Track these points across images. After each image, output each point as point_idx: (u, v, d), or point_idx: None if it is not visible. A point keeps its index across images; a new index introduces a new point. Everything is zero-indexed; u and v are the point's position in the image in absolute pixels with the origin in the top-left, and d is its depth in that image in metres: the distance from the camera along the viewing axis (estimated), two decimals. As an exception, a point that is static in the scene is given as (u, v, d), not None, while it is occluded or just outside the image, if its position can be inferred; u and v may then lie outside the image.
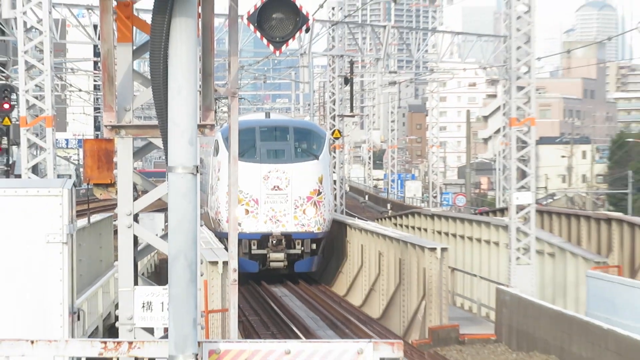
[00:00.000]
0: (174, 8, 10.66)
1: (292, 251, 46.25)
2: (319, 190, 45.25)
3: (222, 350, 11.57)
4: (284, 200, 44.34)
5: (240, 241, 45.32)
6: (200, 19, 12.99)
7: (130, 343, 12.77)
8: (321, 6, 79.88)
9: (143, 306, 14.73)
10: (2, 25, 68.43)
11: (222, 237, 53.69)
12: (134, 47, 14.56)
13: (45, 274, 17.49)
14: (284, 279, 74.05)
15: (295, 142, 48.05)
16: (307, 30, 32.58)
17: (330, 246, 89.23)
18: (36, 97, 48.05)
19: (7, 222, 17.88)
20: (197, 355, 11.05)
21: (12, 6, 50.32)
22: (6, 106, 61.11)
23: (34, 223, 17.87)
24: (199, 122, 12.04)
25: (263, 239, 45.00)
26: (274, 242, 45.30)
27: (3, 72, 73.94)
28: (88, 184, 19.02)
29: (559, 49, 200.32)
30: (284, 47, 24.23)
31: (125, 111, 14.84)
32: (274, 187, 44.10)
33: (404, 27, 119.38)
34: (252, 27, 20.56)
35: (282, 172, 44.45)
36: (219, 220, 50.93)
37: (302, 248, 45.70)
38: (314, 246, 46.05)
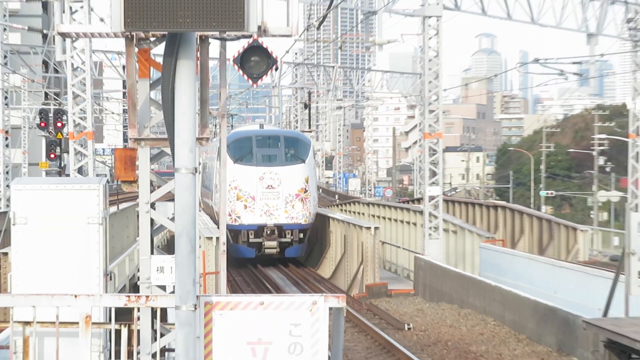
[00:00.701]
0: (179, 53, 11.40)
1: (283, 240, 46.75)
2: (305, 188, 45.53)
3: (214, 302, 12.22)
4: (277, 197, 44.36)
5: (240, 232, 48.65)
6: (198, 61, 13.41)
7: (147, 297, 13.62)
8: (287, 52, 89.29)
9: (157, 270, 14.95)
10: (56, 65, 71.92)
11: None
12: (151, 82, 15.21)
13: (86, 246, 17.96)
14: (277, 262, 69.81)
15: (285, 148, 48.38)
16: (276, 69, 35.83)
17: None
18: (80, 118, 47.08)
19: (60, 208, 18.36)
20: (195, 305, 11.36)
21: (63, 51, 52.63)
22: (59, 125, 63.50)
23: (79, 209, 18.29)
24: (197, 136, 12.90)
25: (259, 230, 45.26)
26: (268, 232, 45.54)
27: (57, 99, 79.10)
28: (118, 181, 19.49)
29: (459, 83, 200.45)
30: (259, 82, 25.72)
31: (144, 128, 15.44)
32: (268, 186, 44.12)
33: (347, 67, 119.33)
34: (236, 67, 22.75)
35: (274, 173, 44.35)
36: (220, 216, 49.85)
37: (292, 237, 46.35)
38: (301, 235, 46.95)
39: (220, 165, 39.09)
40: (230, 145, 43.74)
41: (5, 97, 72.72)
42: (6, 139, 72.86)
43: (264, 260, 43.11)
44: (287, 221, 43.36)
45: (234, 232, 51.00)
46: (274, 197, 42.74)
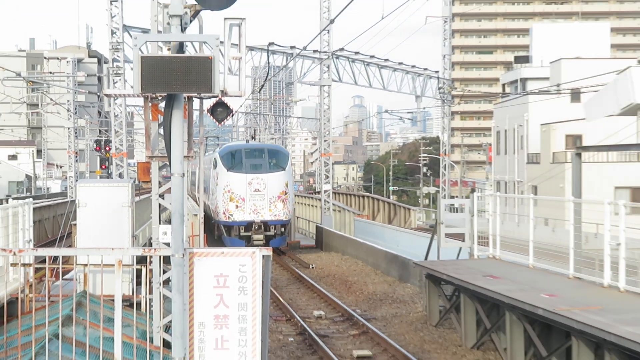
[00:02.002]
0: (173, 106, 11.06)
1: (268, 233, 40.55)
2: (285, 191, 40.00)
3: (194, 252, 11.63)
4: (262, 198, 38.42)
5: (232, 227, 41.99)
6: (186, 111, 13.03)
7: (155, 249, 13.03)
8: (241, 106, 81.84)
9: (163, 233, 14.36)
10: (105, 114, 71.17)
11: (219, 224, 45.67)
12: (158, 123, 14.20)
13: (122, 220, 17.89)
14: None
15: (268, 159, 41.65)
16: (232, 116, 36.20)
17: None
18: (119, 145, 49.10)
19: (106, 197, 18.27)
20: (184, 254, 11.17)
21: (109, 105, 52.28)
22: (107, 148, 61.88)
23: (117, 197, 18.17)
24: (185, 154, 12.45)
25: (248, 225, 39.76)
26: (256, 227, 39.76)
27: (106, 133, 72.32)
28: (139, 181, 20.34)
29: (342, 124, 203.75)
30: (224, 122, 25.65)
31: (154, 150, 14.64)
32: (255, 189, 38.33)
33: (277, 115, 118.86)
34: (209, 114, 22.68)
35: (260, 179, 38.74)
36: (217, 212, 43.62)
37: (275, 231, 40.76)
38: (282, 229, 41.26)
39: (222, 172, 40.79)
40: (224, 156, 40.13)
41: (76, 133, 72.98)
42: (76, 156, 73.29)
43: None
44: (271, 218, 38.16)
45: (228, 227, 43.96)
46: (260, 199, 37.17)
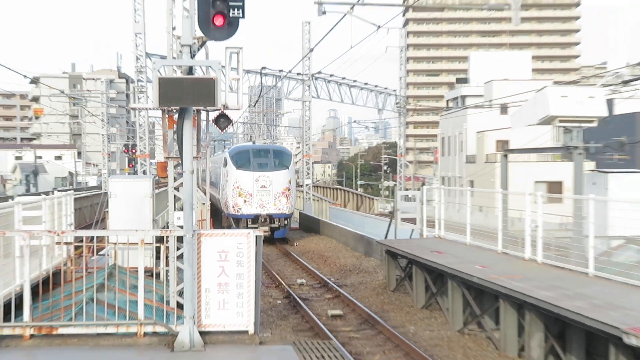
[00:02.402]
0: (184, 117, 10.97)
1: (273, 225, 37.49)
2: (289, 188, 36.76)
3: (202, 233, 11.52)
4: (268, 194, 35.41)
5: (241, 219, 37.77)
6: (195, 120, 12.65)
7: (171, 231, 12.63)
8: (239, 117, 78.50)
9: (177, 218, 14.17)
10: (132, 124, 70.65)
11: (229, 217, 40.54)
12: (173, 130, 13.16)
13: (144, 208, 17.69)
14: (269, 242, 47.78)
15: (274, 158, 38.27)
16: (232, 125, 35.51)
17: None
18: (143, 148, 49.18)
19: (132, 189, 18.31)
20: (193, 234, 11.07)
21: (134, 116, 52.05)
22: (134, 151, 61.28)
23: (141, 190, 17.97)
24: (194, 155, 12.08)
25: (255, 218, 36.65)
26: (262, 220, 36.76)
27: (133, 138, 70.89)
28: (159, 177, 21.21)
29: (320, 132, 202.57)
30: (225, 130, 25.57)
31: (170, 152, 13.87)
32: (262, 186, 35.30)
33: (268, 124, 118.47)
34: (213, 123, 22.40)
35: (266, 177, 35.61)
36: (226, 206, 39.67)
37: (279, 223, 37.65)
38: (285, 222, 38.17)
39: (232, 170, 36.24)
40: (233, 156, 36.88)
41: (108, 138, 73.28)
42: (108, 157, 73.12)
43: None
44: (275, 212, 35.45)
45: (236, 220, 39.72)
46: (266, 194, 34.25)
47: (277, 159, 35.65)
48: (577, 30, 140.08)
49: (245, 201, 33.43)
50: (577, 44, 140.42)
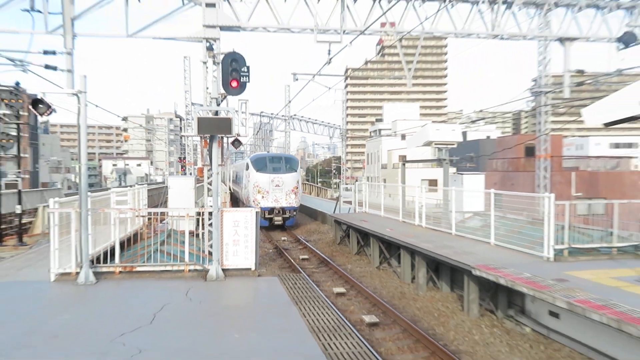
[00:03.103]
0: (212, 141, 10.60)
1: (284, 216, 31.25)
2: (297, 186, 31.10)
3: (224, 210, 10.97)
4: (281, 191, 30.11)
5: (259, 211, 23.32)
6: (220, 142, 11.57)
7: (205, 209, 11.89)
8: (247, 141, 77.24)
9: (209, 201, 12.63)
10: (183, 145, 68.45)
11: (249, 206, 31.79)
12: (207, 149, 12.25)
13: (189, 195, 16.63)
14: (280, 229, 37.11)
15: (285, 164, 32.54)
16: (242, 145, 34.39)
17: None
18: (189, 159, 48.29)
19: (181, 184, 17.09)
20: (219, 210, 10.64)
21: (185, 139, 50.96)
22: (184, 161, 59.14)
23: (187, 184, 16.96)
24: (219, 163, 11.08)
25: (271, 210, 30.53)
26: (276, 212, 30.93)
27: (183, 153, 67.89)
28: (198, 176, 21.05)
29: (295, 151, 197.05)
30: (239, 148, 25.58)
31: (205, 161, 13.67)
32: (276, 185, 29.94)
33: (265, 145, 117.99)
34: (231, 144, 22.02)
35: (280, 178, 30.19)
36: (247, 200, 33.87)
37: (289, 214, 31.11)
38: (294, 213, 31.35)
39: (253, 172, 28.83)
40: (254, 162, 31.46)
41: (169, 153, 71.93)
42: (169, 165, 71.81)
43: (271, 226, 31.38)
44: (287, 205, 30.09)
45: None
46: (279, 191, 29.47)
47: (288, 164, 30.32)
48: (445, 91, 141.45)
49: (263, 197, 28.57)
50: (445, 99, 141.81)
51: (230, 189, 40.81)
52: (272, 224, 28.62)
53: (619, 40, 13.30)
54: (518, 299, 10.42)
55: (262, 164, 29.82)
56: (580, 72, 19.05)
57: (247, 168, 30.50)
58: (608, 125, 9.89)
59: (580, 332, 8.61)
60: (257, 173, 29.46)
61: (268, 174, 28.93)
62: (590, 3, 15.96)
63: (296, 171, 29.88)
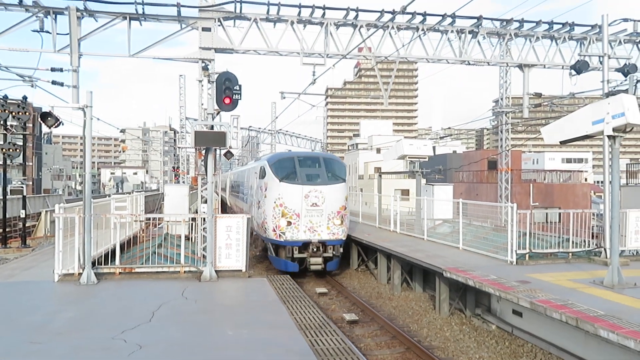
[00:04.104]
0: (207, 153, 10.45)
1: (326, 254, 14.41)
2: (345, 206, 14.61)
3: (217, 216, 10.81)
4: (320, 214, 13.85)
5: (284, 247, 15.51)
6: (214, 153, 11.10)
7: (198, 214, 11.73)
8: (237, 153, 76.54)
9: (203, 208, 12.37)
10: (178, 155, 68.05)
11: (267, 242, 16.08)
12: (201, 159, 12.52)
13: (184, 201, 16.27)
14: None
15: (326, 168, 15.05)
16: (233, 156, 29.22)
17: None
18: (183, 168, 48.02)
19: (177, 191, 16.77)
20: (212, 217, 10.43)
21: (179, 150, 50.65)
22: (178, 170, 58.74)
23: (181, 191, 16.59)
24: (213, 173, 10.85)
25: (304, 245, 14.28)
26: (314, 249, 14.27)
27: (177, 164, 67.61)
28: (193, 184, 21.10)
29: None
30: (230, 159, 24.83)
31: (199, 171, 13.34)
32: (313, 204, 13.85)
33: (253, 157, 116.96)
34: (224, 155, 21.61)
35: (319, 192, 13.95)
36: (265, 228, 14.89)
37: (333, 252, 14.55)
38: (340, 250, 14.60)
39: (273, 182, 15.74)
40: (274, 164, 16.35)
41: (163, 163, 71.30)
42: (164, 174, 70.59)
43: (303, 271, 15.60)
44: (329, 237, 14.63)
45: (277, 247, 15.54)
46: (317, 215, 14.45)
47: (330, 169, 17.70)
48: (416, 110, 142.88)
49: (290, 223, 16.36)
50: (415, 117, 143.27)
51: (226, 201, 31.39)
52: (304, 267, 15.48)
53: (572, 67, 13.59)
54: (485, 298, 10.45)
55: (288, 168, 16.60)
56: (538, 95, 19.41)
57: (263, 175, 17.14)
58: (564, 142, 10.13)
59: (541, 329, 8.63)
60: (281, 184, 16.10)
61: (300, 185, 15.94)
62: (546, 34, 16.32)
63: (344, 181, 16.44)
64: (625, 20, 15.65)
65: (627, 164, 25.54)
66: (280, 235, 14.96)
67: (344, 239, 15.23)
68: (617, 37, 16.06)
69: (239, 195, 23.10)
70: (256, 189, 17.03)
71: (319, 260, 15.01)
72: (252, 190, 17.93)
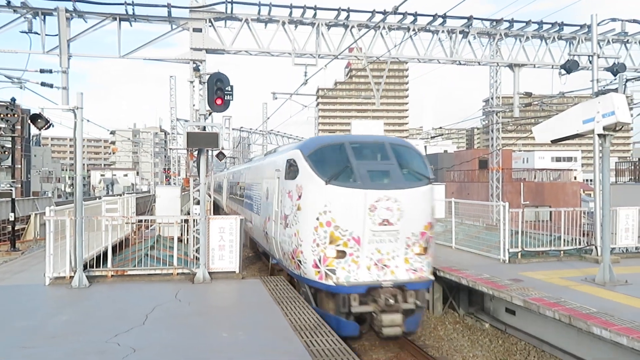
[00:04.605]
0: (200, 154, 10.31)
1: (407, 305, 6.15)
2: (432, 223, 6.98)
3: (210, 217, 10.63)
4: (395, 238, 6.03)
5: (333, 295, 7.32)
6: (206, 154, 10.87)
7: (191, 215, 11.64)
8: (230, 154, 74.99)
9: (194, 209, 12.41)
10: (168, 157, 67.69)
11: (302, 282, 8.29)
12: (193, 161, 13.07)
13: (176, 203, 15.98)
14: None
15: (398, 162, 6.84)
16: (226, 157, 28.01)
17: None
18: (174, 170, 47.66)
19: (169, 192, 16.55)
20: (206, 218, 10.24)
21: (170, 151, 50.49)
22: (169, 172, 58.63)
23: (175, 192, 16.39)
24: (205, 175, 10.75)
25: (368, 293, 6.07)
26: (387, 300, 6.04)
27: (167, 166, 67.63)
28: (184, 186, 20.94)
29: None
30: (223, 160, 24.57)
31: (191, 172, 13.70)
32: (383, 220, 5.84)
33: (244, 158, 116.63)
34: (216, 157, 21.52)
35: (394, 200, 5.97)
36: (298, 261, 7.26)
37: (417, 299, 6.27)
38: (427, 296, 6.70)
39: (314, 185, 8.60)
40: (313, 155, 7.74)
41: (154, 165, 71.02)
42: (155, 176, 70.18)
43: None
44: (409, 277, 6.38)
45: (323, 295, 7.49)
46: (390, 239, 6.19)
47: (405, 162, 8.50)
48: (407, 110, 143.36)
49: (344, 254, 7.68)
50: (407, 116, 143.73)
51: (221, 205, 27.18)
52: (373, 330, 8.70)
53: (563, 67, 13.69)
54: (478, 297, 10.45)
55: (339, 162, 8.72)
56: (528, 94, 19.53)
57: (294, 173, 9.41)
58: (555, 141, 10.24)
59: (534, 327, 8.65)
60: (328, 188, 8.44)
61: (362, 191, 8.17)
62: (536, 34, 16.44)
63: (429, 181, 8.99)
64: (614, 20, 15.81)
65: (615, 163, 25.81)
66: (326, 274, 8.21)
67: (431, 278, 8.53)
68: (605, 36, 16.22)
69: (244, 201, 16.94)
70: (278, 195, 10.26)
71: (397, 318, 8.02)
72: (270, 198, 11.09)
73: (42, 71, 11.92)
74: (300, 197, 8.76)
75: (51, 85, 11.80)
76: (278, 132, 56.52)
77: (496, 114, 24.98)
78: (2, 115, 16.49)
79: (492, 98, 25.16)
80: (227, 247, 10.98)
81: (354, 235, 7.97)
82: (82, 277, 9.71)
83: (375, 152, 8.95)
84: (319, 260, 8.26)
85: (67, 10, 11.59)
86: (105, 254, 10.54)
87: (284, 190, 9.74)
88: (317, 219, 8.27)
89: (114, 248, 11.23)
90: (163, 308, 8.01)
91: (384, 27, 14.72)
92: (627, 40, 16.39)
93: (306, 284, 8.71)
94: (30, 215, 21.66)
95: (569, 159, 70.20)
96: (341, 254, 8.06)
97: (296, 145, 10.28)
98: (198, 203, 11.38)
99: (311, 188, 8.53)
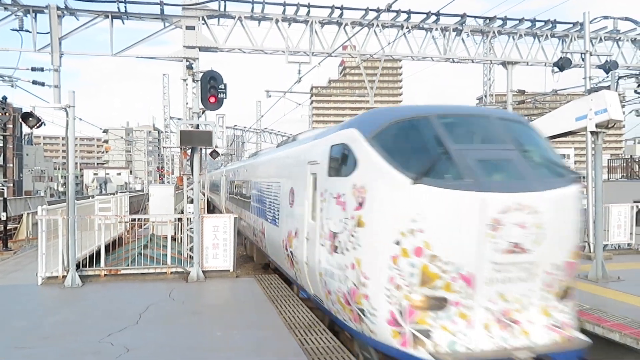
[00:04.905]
0: (193, 152, 10.28)
1: None
2: (579, 247, 3.57)
3: (204, 216, 10.73)
4: (527, 274, 2.46)
5: None
6: (200, 154, 10.93)
7: (184, 214, 11.53)
8: (224, 152, 74.80)
9: (188, 207, 12.45)
10: (162, 155, 67.57)
11: (364, 344, 4.04)
12: (186, 159, 12.44)
13: (169, 201, 15.85)
14: None
15: (521, 146, 2.83)
16: (219, 155, 26.78)
17: None
18: (168, 168, 47.58)
19: (162, 191, 16.38)
20: (199, 217, 10.30)
21: (163, 150, 50.29)
22: (162, 171, 58.40)
23: (167, 191, 16.47)
24: (199, 173, 10.84)
25: None
26: None
27: (161, 164, 67.06)
28: (178, 184, 20.39)
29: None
30: (217, 159, 24.53)
31: (185, 170, 13.49)
32: (514, 246, 2.32)
33: (238, 156, 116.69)
34: (209, 155, 21.60)
35: (529, 211, 2.41)
36: (359, 310, 3.29)
37: None
38: None
39: (386, 184, 4.57)
40: (380, 136, 3.30)
41: (147, 163, 70.70)
42: (149, 175, 69.97)
43: None
44: (554, 339, 2.57)
45: None
46: (522, 276, 2.54)
47: (532, 149, 4.24)
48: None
49: (444, 303, 3.68)
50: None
51: (219, 206, 24.46)
52: None
53: (556, 64, 13.77)
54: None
55: (428, 147, 4.49)
56: (521, 92, 19.61)
57: (349, 167, 5.23)
58: (548, 139, 10.28)
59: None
60: (420, 189, 4.30)
61: (477, 195, 4.16)
62: (529, 32, 16.51)
63: (575, 177, 4.96)
64: (606, 17, 15.91)
65: (608, 160, 25.92)
66: (415, 337, 4.70)
67: (585, 339, 4.84)
68: (597, 34, 16.31)
69: (251, 204, 13.46)
70: (314, 201, 6.89)
71: None
72: (298, 204, 7.71)
73: (33, 69, 11.87)
74: (362, 204, 5.13)
75: (43, 84, 11.74)
76: (272, 130, 56.46)
77: (489, 112, 25.00)
78: (-7, 114, 16.36)
79: (485, 96, 25.25)
80: (221, 245, 10.97)
81: (462, 271, 4.48)
82: (74, 277, 9.67)
83: (481, 131, 5.09)
84: (400, 313, 4.64)
85: (58, 8, 11.54)
86: (98, 253, 10.51)
87: (327, 194, 6.06)
88: (398, 243, 4.64)
89: (107, 247, 11.20)
90: (157, 307, 7.99)
91: (377, 25, 14.73)
92: (619, 38, 16.50)
93: (373, 348, 5.14)
94: (22, 215, 21.58)
95: (562, 156, 71.03)
96: (441, 304, 4.59)
97: (345, 124, 6.28)
98: (192, 202, 11.34)
99: (384, 190, 4.83)
